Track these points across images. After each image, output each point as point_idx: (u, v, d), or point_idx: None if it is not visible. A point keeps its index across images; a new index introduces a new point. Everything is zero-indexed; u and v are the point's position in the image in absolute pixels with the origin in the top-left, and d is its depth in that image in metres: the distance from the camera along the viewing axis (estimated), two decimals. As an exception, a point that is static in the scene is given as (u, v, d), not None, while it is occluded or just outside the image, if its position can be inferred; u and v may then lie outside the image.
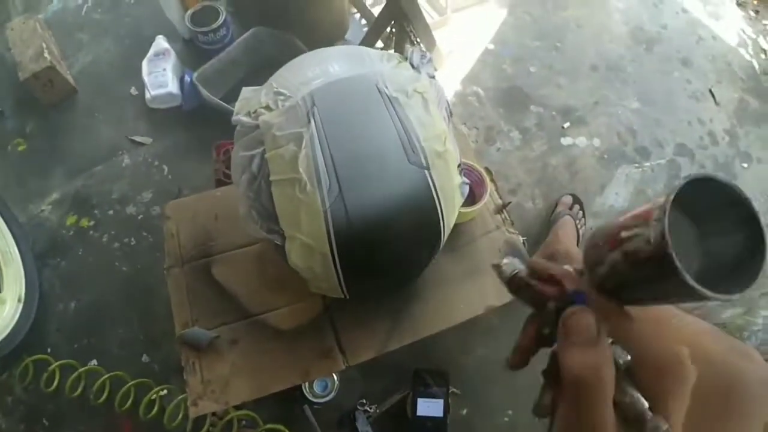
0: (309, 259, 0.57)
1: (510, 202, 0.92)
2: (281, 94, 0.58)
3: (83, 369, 1.08)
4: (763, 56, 1.67)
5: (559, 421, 0.23)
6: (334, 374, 1.01)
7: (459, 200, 0.66)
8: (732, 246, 0.22)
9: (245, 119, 0.59)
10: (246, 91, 0.66)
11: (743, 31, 1.72)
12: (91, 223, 1.28)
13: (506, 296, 0.76)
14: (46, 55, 1.38)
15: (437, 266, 0.81)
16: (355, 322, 0.79)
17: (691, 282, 0.19)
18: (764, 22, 1.77)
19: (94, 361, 1.13)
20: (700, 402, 0.21)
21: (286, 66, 0.66)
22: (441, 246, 0.65)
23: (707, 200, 0.22)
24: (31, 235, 1.25)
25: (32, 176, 1.35)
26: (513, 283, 0.31)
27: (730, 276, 0.21)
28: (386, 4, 1.23)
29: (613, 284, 0.24)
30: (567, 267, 0.29)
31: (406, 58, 0.66)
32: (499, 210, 0.90)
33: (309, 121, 0.54)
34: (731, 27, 1.72)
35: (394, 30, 1.28)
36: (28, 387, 1.08)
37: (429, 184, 0.58)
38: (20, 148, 1.40)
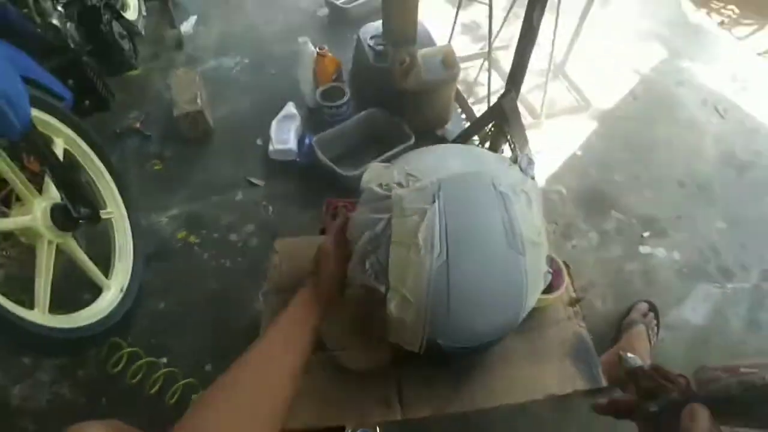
0: (404, 311, 0.68)
1: (583, 297, 0.97)
2: (412, 176, 0.72)
3: (145, 360, 1.24)
4: None
5: None
6: (377, 426, 1.05)
7: (541, 285, 0.76)
8: None
9: (377, 189, 0.74)
10: (376, 166, 0.82)
11: None
12: (198, 240, 1.52)
13: (567, 388, 0.82)
14: (198, 100, 1.74)
15: (505, 343, 0.86)
16: (419, 378, 0.85)
17: None
18: None
19: (164, 359, 1.28)
20: None
21: (415, 153, 0.82)
22: (517, 324, 0.74)
23: None
24: (146, 239, 1.48)
25: (160, 192, 1.65)
26: (635, 372, 0.49)
27: None
28: (492, 107, 1.46)
29: (717, 399, 0.38)
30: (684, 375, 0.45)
31: (515, 161, 0.81)
32: (573, 303, 0.95)
33: (434, 201, 0.68)
34: None
35: (492, 129, 1.48)
36: (100, 366, 1.25)
37: (522, 268, 0.70)
38: (156, 167, 1.72)
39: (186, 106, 1.73)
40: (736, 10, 2.37)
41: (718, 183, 1.68)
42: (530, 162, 0.80)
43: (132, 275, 1.36)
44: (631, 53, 2.14)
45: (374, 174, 0.78)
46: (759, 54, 2.19)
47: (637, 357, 0.46)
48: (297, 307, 0.73)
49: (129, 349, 1.26)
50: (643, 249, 1.51)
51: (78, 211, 1.18)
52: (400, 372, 0.85)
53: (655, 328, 1.30)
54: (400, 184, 0.72)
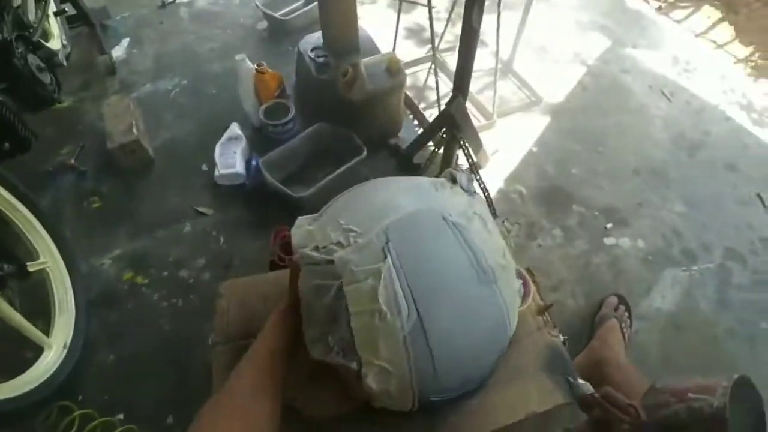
0: (385, 382, 0.60)
1: (552, 305, 0.94)
2: (352, 231, 0.64)
3: (99, 420, 1.14)
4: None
5: None
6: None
7: (519, 301, 0.72)
8: None
9: (315, 255, 0.65)
10: (303, 220, 0.72)
11: (789, 139, 1.81)
12: (145, 280, 1.42)
13: (548, 403, 0.78)
14: (134, 130, 1.64)
15: None
16: (391, 423, 0.78)
17: None
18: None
19: (121, 415, 1.19)
20: None
21: (344, 200, 0.73)
22: (506, 348, 0.70)
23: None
24: (87, 286, 1.37)
25: (100, 231, 1.53)
26: (586, 401, 0.48)
27: None
28: (441, 113, 1.43)
29: (669, 425, 0.38)
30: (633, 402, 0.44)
31: (454, 180, 0.76)
32: (541, 311, 0.92)
33: (385, 257, 0.60)
34: None
35: (444, 134, 1.45)
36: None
37: (498, 299, 0.65)
38: (95, 206, 1.61)
39: (121, 137, 1.62)
40: (672, -6, 2.44)
41: (671, 166, 1.71)
42: (470, 179, 0.77)
43: (75, 329, 1.26)
44: (576, 45, 2.17)
45: (305, 235, 0.69)
46: (697, 35, 2.25)
47: (587, 384, 0.45)
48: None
49: (80, 411, 1.15)
50: (608, 240, 1.51)
51: (1, 269, 1.07)
52: (371, 417, 0.77)
53: (628, 320, 1.29)
54: (340, 244, 0.64)
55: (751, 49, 2.13)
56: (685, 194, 1.62)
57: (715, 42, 2.20)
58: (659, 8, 2.39)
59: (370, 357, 0.59)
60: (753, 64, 2.09)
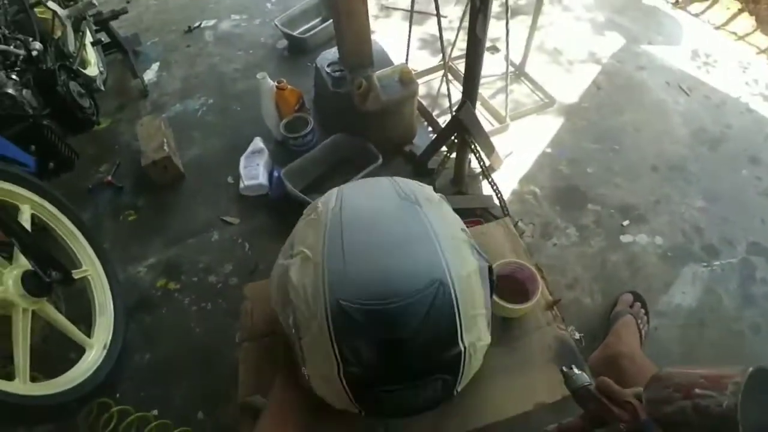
0: (303, 273, 0.64)
1: (560, 299, 0.96)
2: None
3: (136, 415, 1.23)
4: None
5: None
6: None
7: (465, 251, 0.66)
8: None
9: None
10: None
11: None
12: (177, 286, 1.52)
13: (556, 394, 0.81)
14: (165, 147, 1.76)
15: (488, 359, 0.85)
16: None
17: None
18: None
19: (155, 411, 1.27)
20: None
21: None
22: (441, 281, 0.60)
23: None
24: (126, 292, 1.48)
25: (136, 242, 1.66)
26: (581, 394, 0.41)
27: None
28: (451, 120, 1.49)
29: (673, 423, 0.34)
30: (634, 390, 0.39)
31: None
32: (550, 306, 0.94)
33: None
34: None
35: (456, 139, 1.50)
36: (92, 427, 1.23)
37: (421, 217, 0.66)
38: (131, 218, 1.73)
39: (153, 155, 1.75)
40: (689, -12, 2.42)
41: (691, 161, 1.69)
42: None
43: (114, 331, 1.36)
44: (590, 45, 2.18)
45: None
46: (716, 28, 2.22)
47: (584, 374, 0.41)
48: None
49: (118, 407, 1.24)
50: (625, 238, 1.51)
51: (49, 276, 1.18)
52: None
53: (644, 317, 1.29)
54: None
55: (774, 39, 2.09)
56: (705, 189, 1.61)
57: (735, 34, 2.17)
58: (676, 2, 2.37)
59: (300, 247, 0.67)
60: (776, 54, 2.05)
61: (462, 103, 1.39)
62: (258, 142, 1.81)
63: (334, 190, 0.76)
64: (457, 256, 0.64)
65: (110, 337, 1.33)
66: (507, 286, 0.90)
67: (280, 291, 0.70)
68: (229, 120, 2.02)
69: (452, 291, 0.60)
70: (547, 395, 0.82)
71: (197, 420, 1.25)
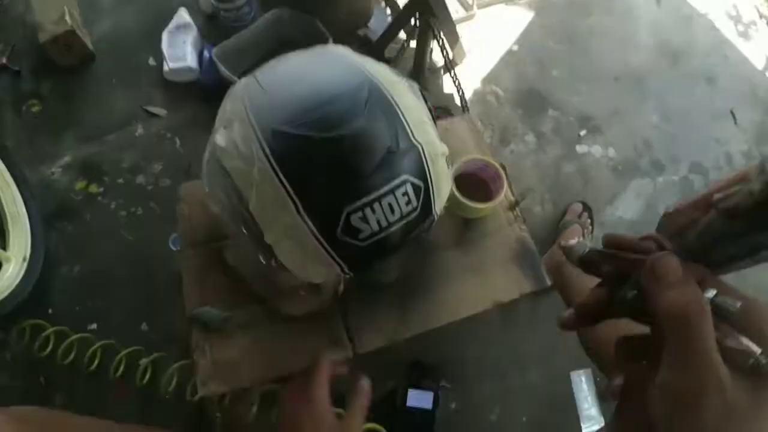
0: (229, 134, 0.56)
1: (524, 198, 0.93)
2: None
3: (75, 337, 1.12)
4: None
5: (668, 364, 0.25)
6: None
7: (411, 95, 0.60)
8: None
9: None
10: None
11: (773, 53, 1.76)
12: (100, 189, 1.35)
13: (513, 293, 0.82)
14: (67, 18, 1.44)
15: (447, 260, 0.85)
16: (364, 312, 0.82)
17: None
18: (794, 46, 1.81)
19: (94, 325, 1.20)
20: None
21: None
22: (372, 95, 0.55)
23: None
24: (40, 197, 1.31)
25: (44, 138, 1.42)
26: (590, 258, 0.32)
27: None
28: (413, -4, 1.27)
29: (702, 244, 0.27)
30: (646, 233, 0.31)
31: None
32: (512, 207, 0.92)
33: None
34: (760, 49, 1.75)
35: (418, 23, 1.32)
36: (26, 353, 1.13)
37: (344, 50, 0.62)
38: (34, 109, 1.46)
39: (53, 28, 1.42)
40: None
41: (652, 75, 1.65)
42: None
43: (33, 241, 1.23)
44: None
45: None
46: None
47: (584, 241, 0.34)
48: None
49: (54, 329, 1.13)
50: (580, 148, 1.50)
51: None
52: (344, 308, 0.82)
53: (590, 226, 1.34)
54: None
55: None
56: (661, 105, 1.59)
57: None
58: None
59: (220, 121, 0.60)
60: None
61: (429, -20, 1.21)
62: (183, 14, 1.51)
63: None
64: (380, 72, 0.59)
65: (29, 248, 1.21)
66: (470, 184, 0.86)
67: (212, 172, 0.60)
68: (145, -16, 1.67)
69: (385, 91, 0.55)
70: (505, 294, 0.84)
71: (141, 331, 1.19)
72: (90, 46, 1.52)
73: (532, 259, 0.86)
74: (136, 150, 1.40)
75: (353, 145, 0.52)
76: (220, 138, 0.57)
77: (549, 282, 0.84)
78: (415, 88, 0.62)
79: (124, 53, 1.54)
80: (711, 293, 0.25)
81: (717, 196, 0.27)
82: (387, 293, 0.84)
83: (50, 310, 1.21)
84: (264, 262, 0.61)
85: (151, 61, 1.52)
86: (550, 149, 1.49)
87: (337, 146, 0.51)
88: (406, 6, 1.34)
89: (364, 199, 0.53)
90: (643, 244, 0.30)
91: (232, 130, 0.56)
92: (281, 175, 0.51)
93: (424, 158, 0.56)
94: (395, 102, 0.55)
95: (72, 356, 1.11)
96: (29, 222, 1.24)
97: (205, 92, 1.44)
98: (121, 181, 1.36)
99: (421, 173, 0.56)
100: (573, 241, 0.32)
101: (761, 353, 0.23)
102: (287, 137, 0.51)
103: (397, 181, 0.54)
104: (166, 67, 1.44)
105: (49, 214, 1.31)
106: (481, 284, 0.85)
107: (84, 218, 1.32)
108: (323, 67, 0.60)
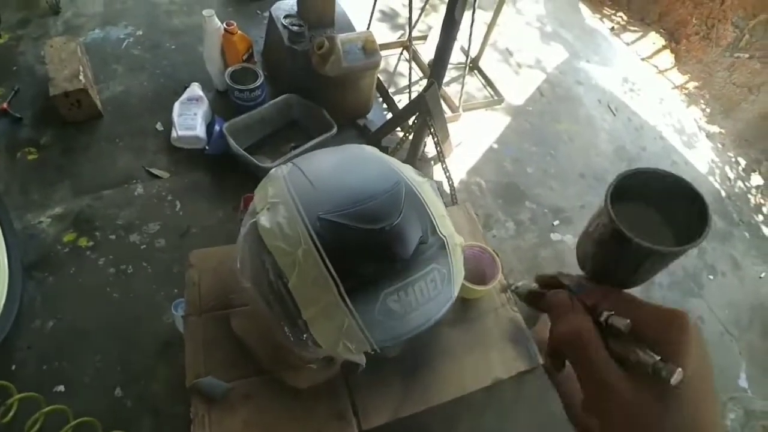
0: (274, 215, 0.62)
1: (513, 284, 1.02)
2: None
3: (47, 409, 0.95)
4: (728, 183, 2.03)
5: (578, 379, 0.30)
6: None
7: (431, 191, 0.69)
8: (687, 216, 0.31)
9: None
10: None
11: (712, 161, 2.09)
12: (90, 243, 1.33)
13: (511, 370, 0.87)
14: (81, 77, 1.51)
15: (448, 338, 0.89)
16: (370, 387, 0.82)
17: (641, 242, 0.28)
18: (729, 153, 2.17)
19: (62, 387, 1.12)
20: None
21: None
22: (399, 186, 0.64)
23: (660, 190, 0.32)
24: (23, 245, 1.27)
25: (37, 186, 1.41)
26: (530, 296, 0.40)
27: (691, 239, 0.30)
28: (416, 98, 1.47)
29: (598, 270, 0.35)
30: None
31: None
32: (504, 289, 1.00)
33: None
34: (702, 156, 2.08)
35: (416, 120, 1.50)
36: None
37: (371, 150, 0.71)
38: (30, 157, 1.47)
39: (65, 84, 1.49)
40: (625, 17, 2.67)
41: (611, 175, 1.87)
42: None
43: (9, 291, 1.16)
44: (538, 52, 2.31)
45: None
46: (643, 59, 2.49)
47: (527, 282, 0.40)
48: None
49: (20, 395, 0.92)
50: (554, 236, 1.65)
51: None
52: (349, 383, 0.82)
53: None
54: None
55: (686, 77, 2.39)
56: (621, 201, 1.80)
57: (657, 67, 2.45)
58: (612, 29, 2.61)
59: (261, 203, 0.65)
60: (686, 91, 2.35)
61: (429, 84, 1.39)
62: (196, 89, 1.63)
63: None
64: (408, 171, 0.69)
65: (3, 299, 1.14)
66: (467, 268, 0.94)
67: (251, 249, 0.64)
68: (162, 58, 1.80)
69: (415, 189, 0.64)
70: (504, 371, 0.88)
71: (114, 397, 1.11)
72: (99, 105, 1.58)
73: (523, 338, 0.92)
74: (133, 208, 1.41)
75: (393, 236, 0.60)
76: (264, 219, 0.63)
77: (540, 360, 0.90)
78: (434, 186, 0.73)
79: (132, 116, 1.61)
80: (604, 315, 0.30)
81: (590, 229, 0.34)
82: (391, 368, 0.85)
83: (14, 366, 1.12)
84: (292, 338, 0.64)
85: (159, 126, 1.60)
86: (528, 236, 1.63)
87: (379, 237, 0.59)
88: (408, 105, 1.51)
89: (400, 283, 0.60)
90: (561, 279, 0.37)
91: (277, 213, 0.62)
92: (325, 257, 0.58)
93: (447, 248, 0.65)
94: (423, 199, 0.64)
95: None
96: (8, 271, 1.18)
97: (210, 160, 1.52)
98: (113, 237, 1.35)
99: (445, 261, 0.65)
100: (519, 283, 0.40)
101: (660, 359, 0.26)
102: (333, 225, 0.58)
103: (427, 269, 0.63)
104: (174, 134, 1.52)
105: (30, 264, 1.26)
106: (481, 362, 0.89)
107: (68, 271, 1.28)
108: (363, 165, 0.69)
